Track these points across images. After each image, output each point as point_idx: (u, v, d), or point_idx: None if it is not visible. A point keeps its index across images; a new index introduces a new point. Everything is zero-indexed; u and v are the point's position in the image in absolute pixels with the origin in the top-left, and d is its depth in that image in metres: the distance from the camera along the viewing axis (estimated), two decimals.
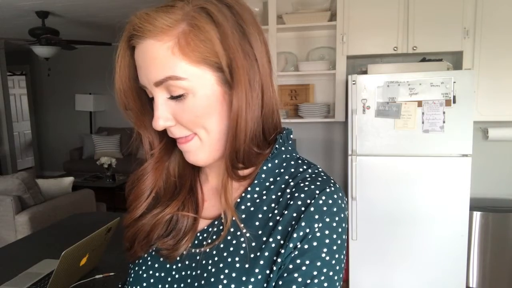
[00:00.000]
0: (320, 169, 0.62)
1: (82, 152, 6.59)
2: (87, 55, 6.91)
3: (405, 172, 2.65)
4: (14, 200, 2.87)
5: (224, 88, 0.56)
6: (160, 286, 0.61)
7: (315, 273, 0.54)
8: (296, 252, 0.54)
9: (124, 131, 6.74)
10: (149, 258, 0.64)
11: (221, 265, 0.56)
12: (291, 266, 0.54)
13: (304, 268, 0.54)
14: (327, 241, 0.55)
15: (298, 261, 0.54)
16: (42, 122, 7.59)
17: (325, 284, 0.54)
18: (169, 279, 0.61)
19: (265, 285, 0.55)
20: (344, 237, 0.58)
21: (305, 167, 0.62)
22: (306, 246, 0.54)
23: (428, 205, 2.64)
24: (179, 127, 0.57)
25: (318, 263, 0.54)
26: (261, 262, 0.55)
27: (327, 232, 0.55)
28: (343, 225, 0.58)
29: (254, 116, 0.57)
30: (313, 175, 0.60)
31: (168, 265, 0.61)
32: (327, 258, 0.55)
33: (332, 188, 0.59)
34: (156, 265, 0.63)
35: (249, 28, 0.58)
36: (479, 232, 2.79)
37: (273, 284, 0.55)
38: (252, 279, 0.54)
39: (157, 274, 0.62)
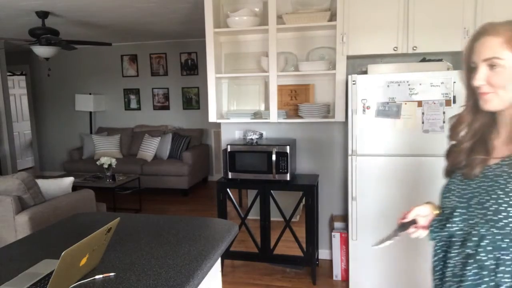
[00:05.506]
0: None
1: (82, 152, 6.59)
2: (87, 55, 6.91)
3: (405, 172, 2.65)
4: (14, 200, 2.86)
5: None
6: (463, 192, 1.06)
7: None
8: None
9: (124, 131, 6.75)
10: (454, 180, 1.11)
11: (507, 178, 0.96)
12: None
13: None
14: None
15: None
16: (42, 122, 7.59)
17: None
18: (468, 187, 1.05)
19: None
20: None
21: None
22: None
23: None
24: (487, 86, 1.00)
25: None
26: None
27: None
28: None
29: None
30: None
31: (468, 181, 1.05)
32: None
33: None
34: (460, 182, 1.08)
35: None
36: None
37: None
38: None
39: (461, 186, 1.07)
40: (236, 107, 3.54)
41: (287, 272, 3.30)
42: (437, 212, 1.18)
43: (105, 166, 4.90)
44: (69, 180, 3.56)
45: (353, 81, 2.66)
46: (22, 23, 4.68)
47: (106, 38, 5.87)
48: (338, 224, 3.21)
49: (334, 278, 3.16)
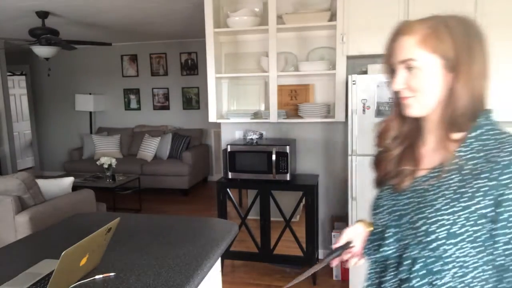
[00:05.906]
0: None
1: (82, 152, 6.59)
2: (87, 55, 6.91)
3: None
4: (14, 200, 2.86)
5: (445, 72, 0.87)
6: (394, 208, 0.97)
7: None
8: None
9: (124, 131, 6.75)
10: (383, 194, 1.04)
11: (435, 192, 0.86)
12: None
13: None
14: None
15: None
16: (42, 122, 7.58)
17: None
18: (398, 203, 0.96)
19: (474, 208, 0.81)
20: None
21: (504, 135, 0.87)
22: None
23: None
24: (407, 90, 0.90)
25: None
26: (468, 194, 0.82)
27: None
28: None
29: (467, 98, 0.86)
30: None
31: (398, 196, 0.96)
32: None
33: None
34: (390, 196, 1.00)
35: (473, 39, 0.88)
36: None
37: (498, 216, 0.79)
38: (462, 200, 0.82)
39: (391, 202, 0.98)
40: (236, 107, 3.54)
41: (287, 272, 3.30)
42: (371, 228, 1.07)
43: (105, 166, 4.90)
44: (69, 180, 3.56)
45: (353, 81, 2.66)
46: (22, 23, 4.68)
47: (106, 38, 5.87)
48: (338, 224, 3.21)
49: (334, 278, 3.16)
